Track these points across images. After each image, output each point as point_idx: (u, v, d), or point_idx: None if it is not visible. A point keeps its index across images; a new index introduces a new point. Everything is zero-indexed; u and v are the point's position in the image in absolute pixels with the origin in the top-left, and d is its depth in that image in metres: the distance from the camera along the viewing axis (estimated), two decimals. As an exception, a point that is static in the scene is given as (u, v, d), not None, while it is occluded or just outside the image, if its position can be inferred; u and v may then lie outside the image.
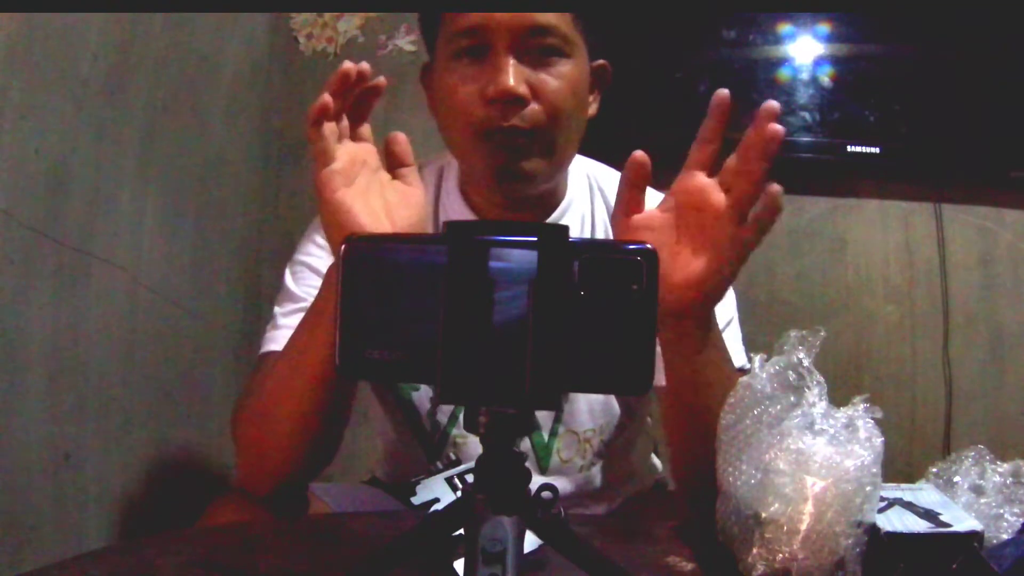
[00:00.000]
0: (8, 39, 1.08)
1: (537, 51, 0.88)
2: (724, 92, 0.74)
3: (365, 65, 0.76)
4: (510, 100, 0.87)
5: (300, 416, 0.83)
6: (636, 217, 0.76)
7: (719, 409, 0.73)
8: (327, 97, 0.74)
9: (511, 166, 0.89)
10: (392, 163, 0.81)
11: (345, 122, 0.78)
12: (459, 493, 0.84)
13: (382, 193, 0.79)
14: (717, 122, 0.75)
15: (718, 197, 0.73)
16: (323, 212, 0.77)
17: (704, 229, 0.74)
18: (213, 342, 1.68)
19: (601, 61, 0.97)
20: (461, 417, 0.99)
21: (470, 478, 0.76)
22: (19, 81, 1.10)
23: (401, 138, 0.81)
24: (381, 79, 0.79)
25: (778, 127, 0.71)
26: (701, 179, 0.75)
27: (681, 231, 0.76)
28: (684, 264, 0.74)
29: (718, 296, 0.76)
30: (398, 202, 0.79)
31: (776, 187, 0.72)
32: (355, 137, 0.80)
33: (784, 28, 1.84)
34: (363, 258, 0.51)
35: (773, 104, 0.71)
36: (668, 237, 0.75)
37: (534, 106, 0.88)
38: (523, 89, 0.87)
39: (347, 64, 0.75)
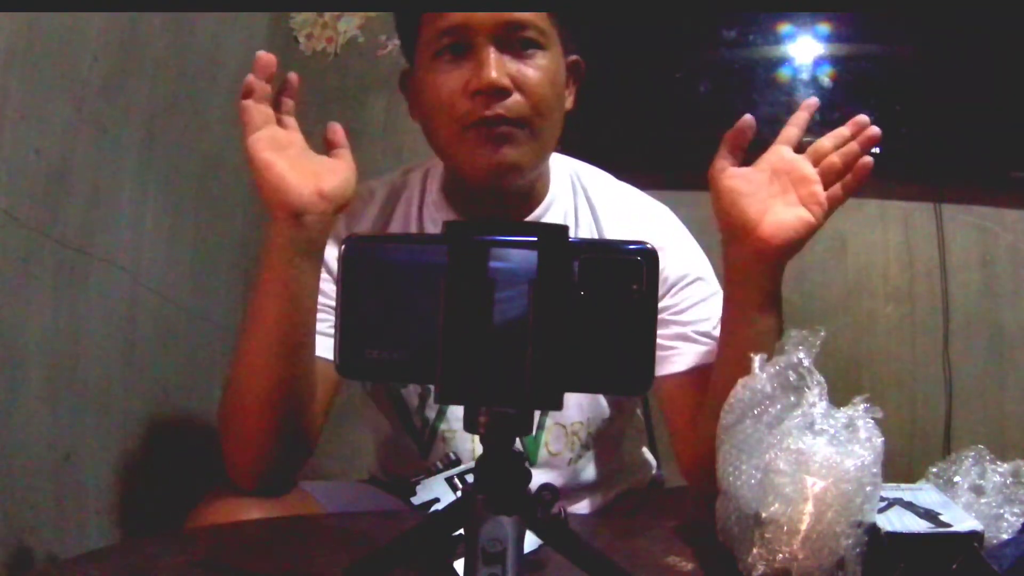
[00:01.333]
0: (8, 39, 1.08)
1: (517, 44, 0.92)
2: (814, 99, 0.92)
3: (263, 54, 0.86)
4: (493, 91, 0.89)
5: (268, 390, 0.85)
6: (734, 169, 0.87)
7: None
8: (251, 78, 0.85)
9: (496, 157, 0.91)
10: (327, 149, 0.90)
11: (271, 111, 0.87)
12: (459, 493, 0.84)
13: (311, 160, 0.86)
14: (808, 115, 0.91)
15: (809, 167, 0.87)
16: (253, 172, 0.84)
17: (795, 188, 0.86)
18: (213, 342, 1.68)
19: (574, 56, 1.00)
20: (448, 412, 1.00)
21: (470, 478, 0.76)
22: (19, 81, 1.10)
23: (336, 127, 0.91)
24: (291, 75, 0.89)
25: (876, 132, 0.87)
26: (791, 153, 0.89)
27: (773, 188, 0.87)
28: (776, 214, 0.85)
29: (797, 247, 0.86)
30: (327, 171, 0.86)
31: (868, 160, 0.86)
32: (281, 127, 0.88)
33: (784, 28, 1.83)
34: (362, 258, 0.51)
35: (868, 124, 0.88)
36: (762, 190, 0.86)
37: (516, 97, 0.91)
38: (505, 80, 0.90)
39: (260, 52, 0.86)
